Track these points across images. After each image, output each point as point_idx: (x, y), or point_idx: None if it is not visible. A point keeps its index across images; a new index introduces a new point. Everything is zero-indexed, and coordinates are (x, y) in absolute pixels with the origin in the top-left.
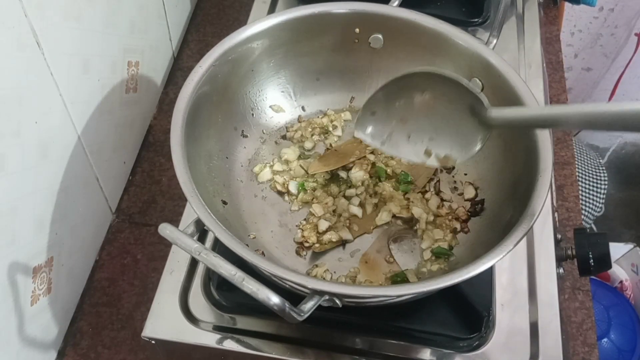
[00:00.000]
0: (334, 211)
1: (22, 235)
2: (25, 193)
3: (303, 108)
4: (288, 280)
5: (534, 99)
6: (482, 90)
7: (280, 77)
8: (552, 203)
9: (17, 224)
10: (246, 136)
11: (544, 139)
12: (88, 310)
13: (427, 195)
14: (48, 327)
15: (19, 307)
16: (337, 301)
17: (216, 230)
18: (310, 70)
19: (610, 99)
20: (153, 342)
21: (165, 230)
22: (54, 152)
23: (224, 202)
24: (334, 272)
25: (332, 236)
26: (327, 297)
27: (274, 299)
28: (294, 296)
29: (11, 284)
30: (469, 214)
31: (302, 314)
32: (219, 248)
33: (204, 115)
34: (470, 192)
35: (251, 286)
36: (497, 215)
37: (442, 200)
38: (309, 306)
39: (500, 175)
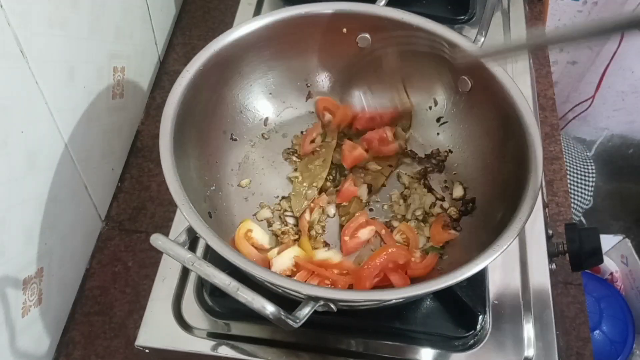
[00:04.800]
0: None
1: (11, 246)
2: (14, 204)
3: (292, 109)
4: (282, 287)
5: (521, 94)
6: (470, 89)
7: (268, 79)
8: (543, 199)
9: (5, 235)
10: (235, 140)
11: (535, 137)
12: (80, 320)
13: (409, 201)
14: (40, 338)
15: (9, 319)
16: (332, 306)
17: (208, 238)
18: (298, 71)
19: (596, 91)
20: (147, 350)
21: (157, 241)
22: (41, 161)
23: (212, 212)
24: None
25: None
26: (322, 302)
27: (270, 308)
28: (288, 301)
29: (1, 296)
30: (460, 212)
31: (298, 321)
32: (211, 254)
33: (193, 119)
34: (459, 191)
35: (246, 295)
36: (489, 213)
37: (437, 199)
38: (304, 313)
39: (490, 174)
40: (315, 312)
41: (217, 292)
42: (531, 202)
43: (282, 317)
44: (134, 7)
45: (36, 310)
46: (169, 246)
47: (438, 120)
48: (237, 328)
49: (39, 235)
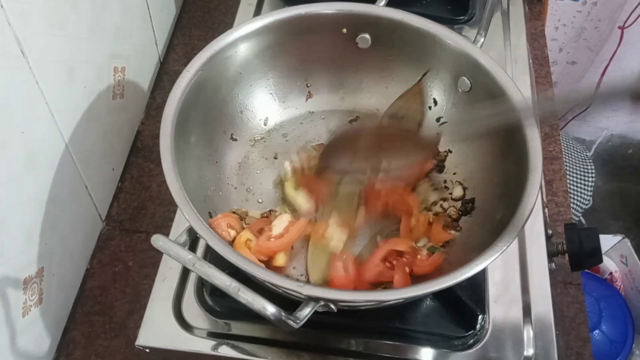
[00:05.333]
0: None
1: (12, 246)
2: (14, 204)
3: (292, 109)
4: (283, 288)
5: (521, 96)
6: (470, 89)
7: (268, 79)
8: (542, 199)
9: (5, 235)
10: (235, 139)
11: (534, 137)
12: (80, 320)
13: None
14: (40, 338)
15: (10, 319)
16: (333, 306)
17: (209, 238)
18: (299, 71)
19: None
20: (147, 350)
21: (158, 242)
22: (41, 161)
23: (212, 212)
24: None
25: None
26: (322, 303)
27: (270, 309)
28: (288, 301)
29: (2, 296)
30: (460, 212)
31: (298, 322)
32: (211, 254)
33: (193, 120)
34: (458, 192)
35: (247, 296)
36: (489, 214)
37: (440, 199)
38: (304, 313)
39: (490, 174)
40: (316, 312)
41: (217, 292)
42: (531, 202)
43: (283, 317)
44: (134, 7)
45: (36, 310)
46: (170, 247)
47: (438, 120)
48: (238, 328)
49: (39, 235)
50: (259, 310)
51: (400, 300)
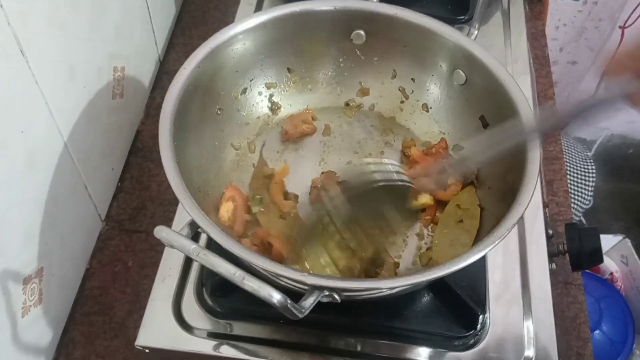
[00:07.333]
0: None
1: (11, 246)
2: (13, 204)
3: (288, 107)
4: (286, 277)
5: (517, 87)
6: (465, 82)
7: (265, 77)
8: (543, 199)
9: (5, 235)
10: (233, 137)
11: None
12: (80, 320)
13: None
14: (40, 338)
15: (10, 319)
16: (336, 296)
17: (210, 230)
18: (296, 68)
19: (596, 91)
20: (147, 350)
21: (162, 232)
22: (41, 161)
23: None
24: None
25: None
26: (326, 292)
27: (276, 296)
28: (290, 294)
29: (1, 296)
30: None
31: (303, 310)
32: (213, 250)
33: (191, 117)
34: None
35: (252, 284)
36: (488, 210)
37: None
38: (309, 302)
39: (489, 169)
40: (318, 309)
41: (217, 292)
42: (528, 195)
43: (289, 305)
44: (134, 7)
45: (36, 310)
46: (173, 237)
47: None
48: (238, 328)
49: (39, 235)
50: (264, 298)
51: (399, 290)
